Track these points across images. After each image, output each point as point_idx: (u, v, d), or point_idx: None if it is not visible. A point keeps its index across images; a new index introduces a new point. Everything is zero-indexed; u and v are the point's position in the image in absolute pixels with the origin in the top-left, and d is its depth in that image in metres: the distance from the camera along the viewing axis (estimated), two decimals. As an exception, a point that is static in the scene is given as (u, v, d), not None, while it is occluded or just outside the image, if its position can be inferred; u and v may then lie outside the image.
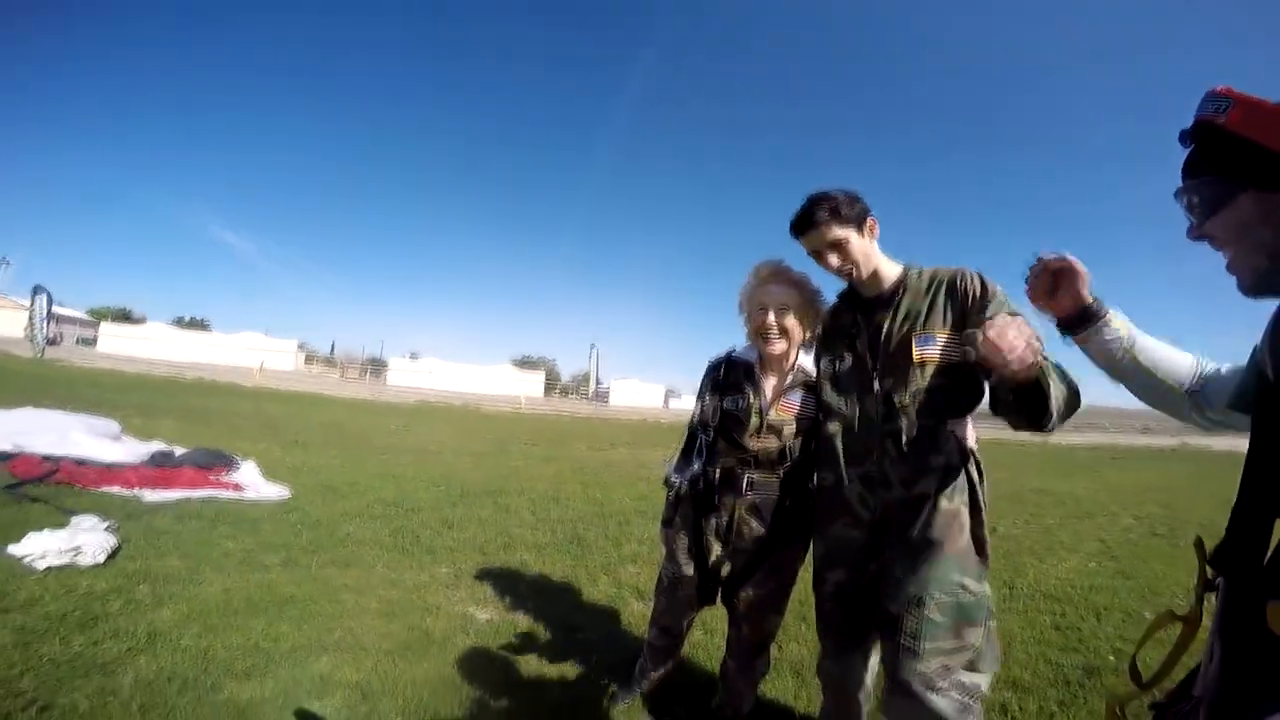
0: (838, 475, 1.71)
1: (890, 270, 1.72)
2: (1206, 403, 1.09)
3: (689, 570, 1.91)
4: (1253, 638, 0.73)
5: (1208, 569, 0.88)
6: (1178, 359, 1.13)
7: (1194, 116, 0.81)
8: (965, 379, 1.58)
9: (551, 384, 66.78)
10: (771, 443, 1.82)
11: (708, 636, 2.86)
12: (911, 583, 1.53)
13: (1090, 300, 1.14)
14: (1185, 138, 0.83)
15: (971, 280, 1.60)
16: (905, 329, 1.64)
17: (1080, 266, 1.13)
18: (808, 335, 1.86)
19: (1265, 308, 0.83)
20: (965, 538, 1.56)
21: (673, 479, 1.90)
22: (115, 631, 2.46)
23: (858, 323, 1.74)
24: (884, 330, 1.66)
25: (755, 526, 1.85)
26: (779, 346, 1.82)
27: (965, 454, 1.60)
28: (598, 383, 51.21)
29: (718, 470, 1.86)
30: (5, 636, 2.32)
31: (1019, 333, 1.19)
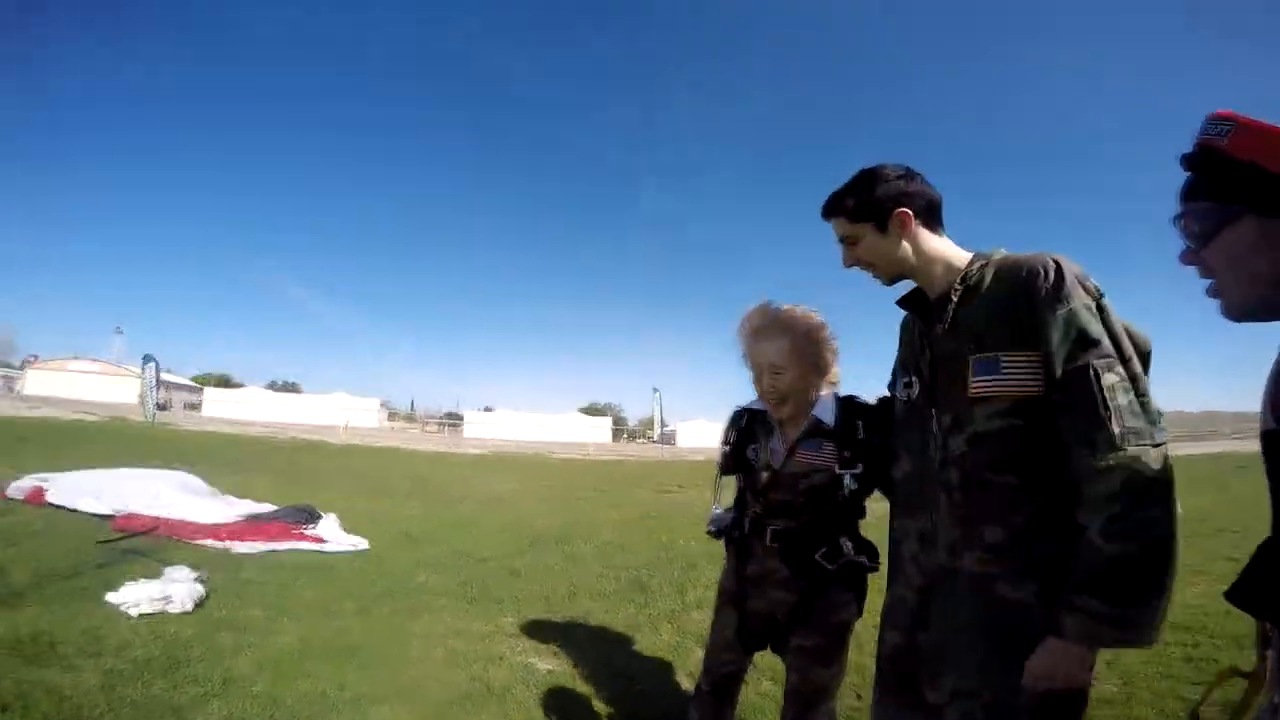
0: (899, 528, 1.46)
1: (953, 264, 1.34)
2: None
3: (730, 617, 1.87)
4: None
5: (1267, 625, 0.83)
6: None
7: (1195, 140, 0.79)
8: (1042, 423, 1.15)
9: (619, 429, 67.18)
10: (786, 495, 1.75)
11: (776, 686, 2.70)
12: (954, 666, 1.23)
13: None
14: (1186, 161, 0.81)
15: (1041, 272, 1.16)
16: (960, 350, 1.25)
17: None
18: (829, 371, 1.77)
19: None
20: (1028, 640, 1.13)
21: (710, 527, 1.93)
22: (194, 677, 2.59)
23: (922, 337, 1.39)
24: (940, 347, 1.32)
25: (787, 575, 1.76)
26: (781, 411, 1.75)
27: (1041, 526, 1.17)
28: (663, 425, 51.01)
29: (748, 518, 1.83)
30: (94, 679, 2.47)
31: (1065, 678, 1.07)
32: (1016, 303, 1.18)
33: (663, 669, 3.04)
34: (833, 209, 1.40)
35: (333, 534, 5.74)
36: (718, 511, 1.94)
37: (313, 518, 6.08)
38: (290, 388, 71.13)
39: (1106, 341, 1.11)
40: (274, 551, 4.94)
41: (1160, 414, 1.10)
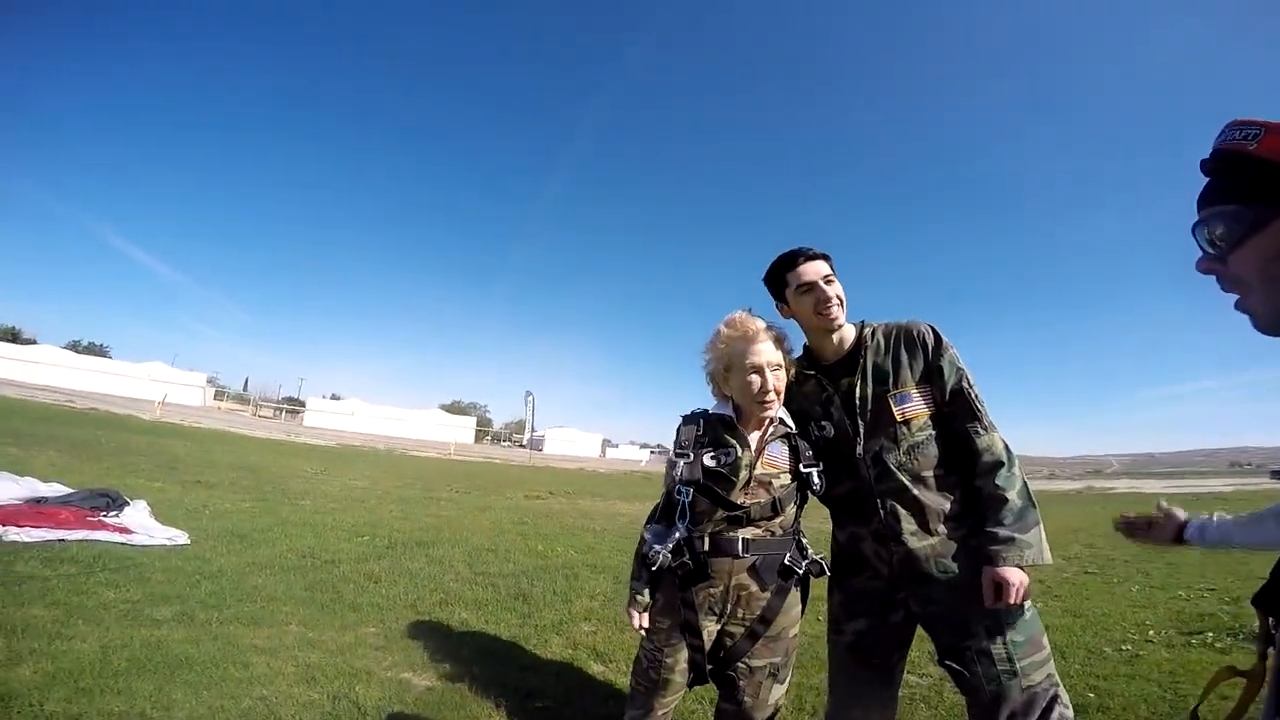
0: (851, 533, 1.77)
1: (847, 330, 1.78)
2: None
3: (679, 652, 1.66)
4: None
5: (1270, 621, 0.88)
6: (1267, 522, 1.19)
7: (1214, 146, 0.78)
8: (945, 427, 1.69)
9: (483, 430, 64.68)
10: (761, 496, 1.68)
11: (704, 706, 2.56)
12: (971, 615, 1.58)
13: (1183, 524, 1.34)
14: (1207, 167, 0.79)
15: (926, 334, 1.72)
16: (878, 390, 1.70)
17: (1167, 517, 1.37)
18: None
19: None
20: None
21: (654, 548, 1.67)
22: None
23: (826, 388, 1.77)
24: (857, 394, 1.71)
25: (755, 590, 1.67)
26: (775, 409, 1.71)
27: (962, 494, 1.68)
28: (533, 430, 49.92)
29: (705, 536, 1.67)
30: None
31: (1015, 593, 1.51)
32: (914, 353, 1.71)
33: (564, 683, 2.80)
34: (825, 256, 1.76)
35: (141, 524, 4.81)
36: (659, 529, 1.72)
37: (115, 503, 5.06)
38: (96, 350, 59.64)
39: (967, 371, 1.70)
40: (61, 541, 4.00)
41: None
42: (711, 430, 1.74)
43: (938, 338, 1.70)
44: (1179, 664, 3.25)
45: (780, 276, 1.78)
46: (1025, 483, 1.61)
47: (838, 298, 1.72)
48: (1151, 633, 3.82)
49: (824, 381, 1.76)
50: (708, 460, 1.69)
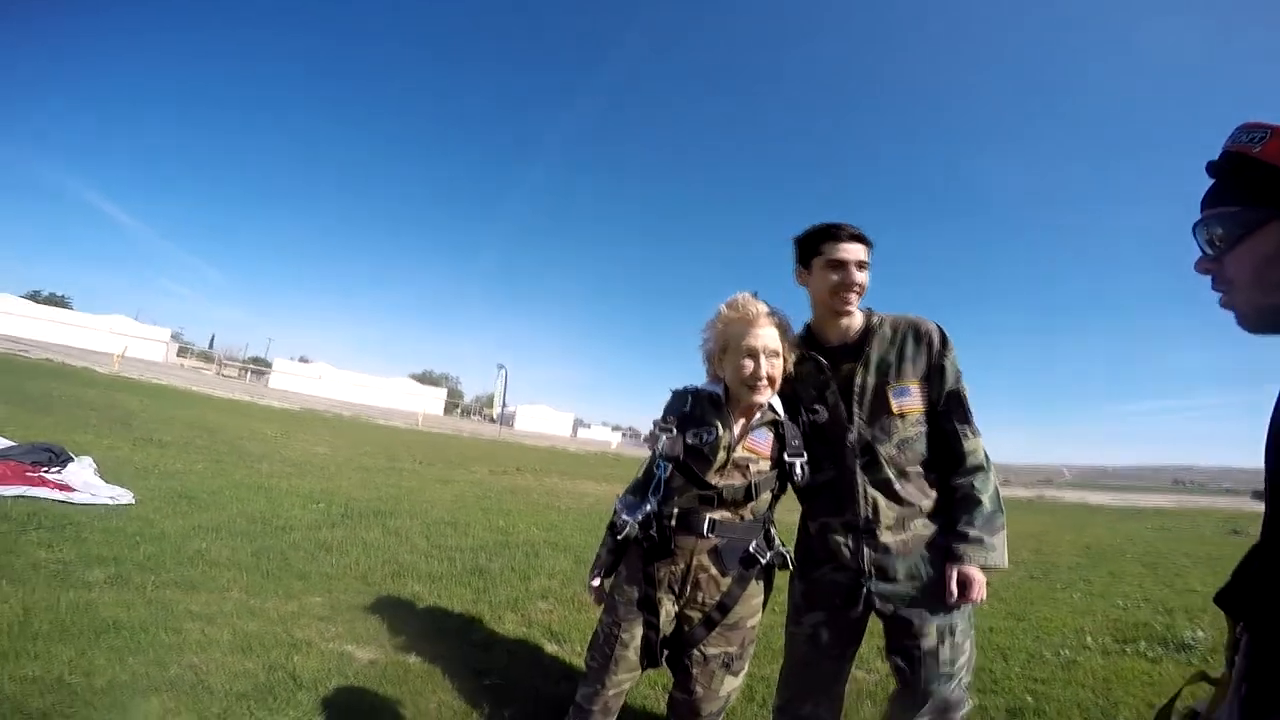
0: (822, 523, 1.74)
1: (855, 317, 1.76)
2: None
3: (635, 628, 1.65)
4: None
5: (1239, 626, 0.84)
6: None
7: (1222, 148, 0.79)
8: (934, 425, 1.72)
9: (453, 402, 64.01)
10: (736, 479, 1.65)
11: (656, 692, 2.54)
12: (928, 615, 1.62)
13: None
14: (1212, 168, 0.80)
15: (934, 332, 1.73)
16: (879, 381, 1.70)
17: None
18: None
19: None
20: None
21: (623, 518, 1.65)
22: None
23: (825, 371, 1.74)
24: (857, 382, 1.70)
25: (715, 574, 1.64)
26: (765, 396, 1.68)
27: (940, 493, 1.71)
28: (504, 405, 49.49)
29: (674, 511, 1.64)
30: None
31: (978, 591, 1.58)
32: (919, 350, 1.72)
33: (514, 662, 2.74)
34: (868, 241, 1.71)
35: (85, 482, 4.62)
36: (632, 500, 1.71)
37: (58, 459, 4.86)
38: (57, 301, 57.08)
39: (961, 374, 1.73)
40: (-5, 496, 3.81)
41: None
42: (699, 406, 1.72)
43: (944, 338, 1.72)
44: (1113, 671, 3.34)
45: (815, 243, 1.72)
46: (998, 489, 1.68)
47: (860, 286, 1.70)
48: (1089, 639, 3.93)
49: (824, 365, 1.74)
50: (689, 438, 1.67)
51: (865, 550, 1.65)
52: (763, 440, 1.70)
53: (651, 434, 1.75)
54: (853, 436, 1.69)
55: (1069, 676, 3.22)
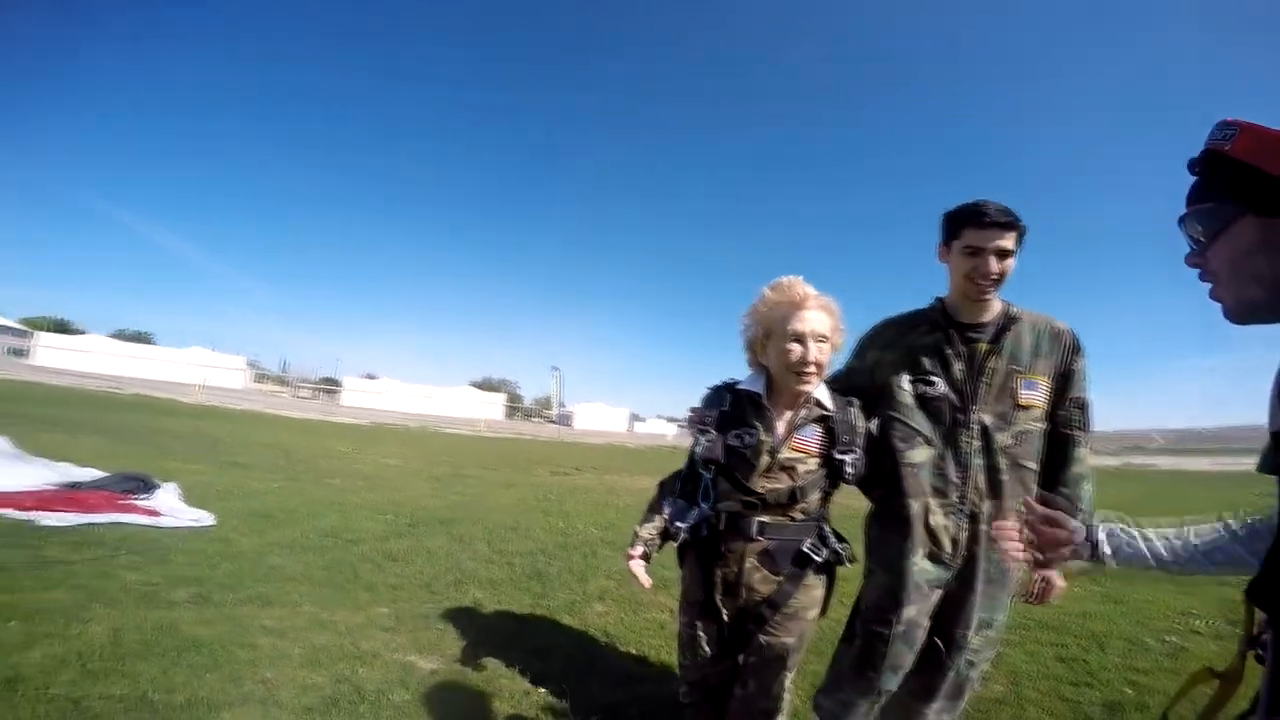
0: (923, 505, 1.67)
1: (994, 304, 1.72)
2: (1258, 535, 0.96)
3: (704, 625, 1.65)
4: None
5: (1254, 621, 0.86)
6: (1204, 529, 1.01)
7: (1204, 145, 0.81)
8: (1051, 428, 1.70)
9: (513, 407, 65.52)
10: (782, 483, 1.57)
11: None
12: (984, 608, 1.66)
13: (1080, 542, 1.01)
14: (1193, 166, 0.84)
15: (1070, 336, 1.72)
16: (1011, 368, 1.67)
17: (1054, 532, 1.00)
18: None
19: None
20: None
21: (675, 525, 1.63)
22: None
23: (953, 345, 1.70)
24: (988, 364, 1.67)
25: (767, 574, 1.59)
26: (813, 384, 1.58)
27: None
28: (561, 405, 50.35)
29: (723, 515, 1.59)
30: None
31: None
32: (1054, 350, 1.70)
33: (570, 668, 2.73)
34: (1017, 225, 1.62)
35: (171, 507, 4.92)
36: (682, 506, 1.66)
37: (146, 487, 5.19)
38: (140, 338, 61.87)
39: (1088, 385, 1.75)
40: (91, 525, 4.11)
41: None
42: (739, 405, 1.64)
43: (1077, 344, 1.73)
44: (1229, 659, 3.04)
45: (959, 225, 1.66)
46: (1093, 498, 1.69)
47: (999, 275, 1.62)
48: (1198, 623, 3.59)
49: (955, 338, 1.70)
50: (731, 439, 1.60)
51: (965, 536, 1.65)
52: (811, 437, 1.60)
53: (691, 420, 1.70)
54: (974, 418, 1.65)
55: (1176, 666, 2.94)
